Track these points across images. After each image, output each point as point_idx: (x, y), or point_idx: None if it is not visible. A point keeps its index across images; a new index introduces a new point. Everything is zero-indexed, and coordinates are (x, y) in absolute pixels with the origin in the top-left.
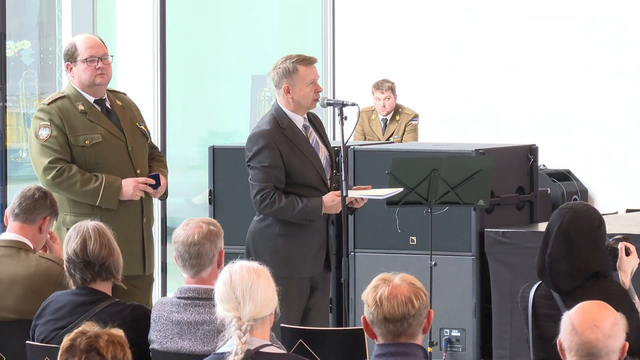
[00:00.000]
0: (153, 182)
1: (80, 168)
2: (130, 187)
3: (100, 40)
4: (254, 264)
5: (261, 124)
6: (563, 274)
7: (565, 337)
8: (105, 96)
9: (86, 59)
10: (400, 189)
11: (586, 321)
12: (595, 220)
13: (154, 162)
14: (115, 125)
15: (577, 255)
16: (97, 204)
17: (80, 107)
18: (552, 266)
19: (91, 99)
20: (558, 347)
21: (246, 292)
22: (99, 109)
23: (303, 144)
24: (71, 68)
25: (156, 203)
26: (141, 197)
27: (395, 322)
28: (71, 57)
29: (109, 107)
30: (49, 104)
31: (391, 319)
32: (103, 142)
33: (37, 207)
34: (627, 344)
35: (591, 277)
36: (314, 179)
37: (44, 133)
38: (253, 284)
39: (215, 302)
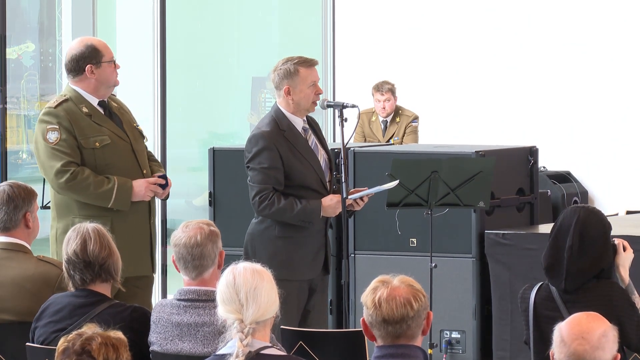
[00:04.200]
0: (163, 182)
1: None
2: (142, 187)
3: None
4: (258, 266)
5: (261, 125)
6: (571, 272)
7: (556, 348)
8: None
9: (111, 61)
10: (397, 181)
11: (574, 333)
12: (606, 221)
13: (150, 162)
14: (119, 127)
15: (588, 251)
16: (109, 205)
17: (84, 110)
18: (570, 259)
19: (95, 102)
20: (551, 357)
21: (250, 294)
22: (101, 111)
23: (302, 146)
24: (92, 70)
25: (157, 203)
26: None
27: (394, 324)
28: (94, 58)
29: (110, 109)
30: (55, 107)
31: (390, 321)
32: (111, 144)
33: (11, 211)
34: (619, 355)
35: (593, 277)
36: (314, 181)
37: (53, 136)
38: (257, 287)
39: (217, 303)
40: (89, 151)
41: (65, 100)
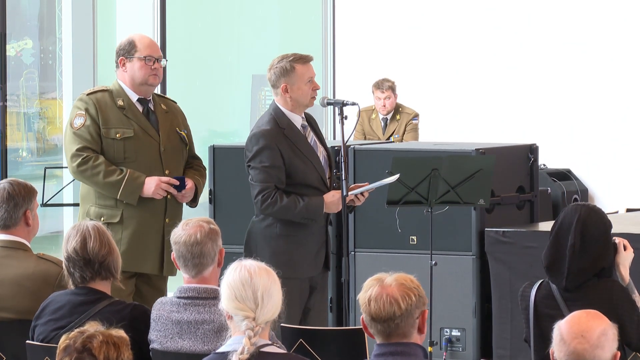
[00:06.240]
0: (177, 183)
1: (108, 160)
2: (152, 185)
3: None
4: (267, 266)
5: (260, 124)
6: (573, 270)
7: (555, 346)
8: (151, 98)
9: (144, 57)
10: (397, 175)
11: (574, 332)
12: (607, 219)
13: (191, 170)
14: (152, 126)
15: (589, 250)
16: (117, 197)
17: (119, 103)
18: (573, 258)
19: (134, 97)
20: (550, 356)
21: (266, 295)
22: (139, 108)
23: (303, 144)
24: (124, 63)
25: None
26: (166, 197)
27: (382, 322)
28: (127, 52)
29: (151, 108)
30: (88, 95)
31: (377, 319)
32: (134, 138)
33: (11, 209)
34: (619, 353)
35: (594, 276)
36: (315, 179)
37: (78, 122)
38: (271, 288)
39: (224, 298)
40: (109, 141)
41: (103, 90)
